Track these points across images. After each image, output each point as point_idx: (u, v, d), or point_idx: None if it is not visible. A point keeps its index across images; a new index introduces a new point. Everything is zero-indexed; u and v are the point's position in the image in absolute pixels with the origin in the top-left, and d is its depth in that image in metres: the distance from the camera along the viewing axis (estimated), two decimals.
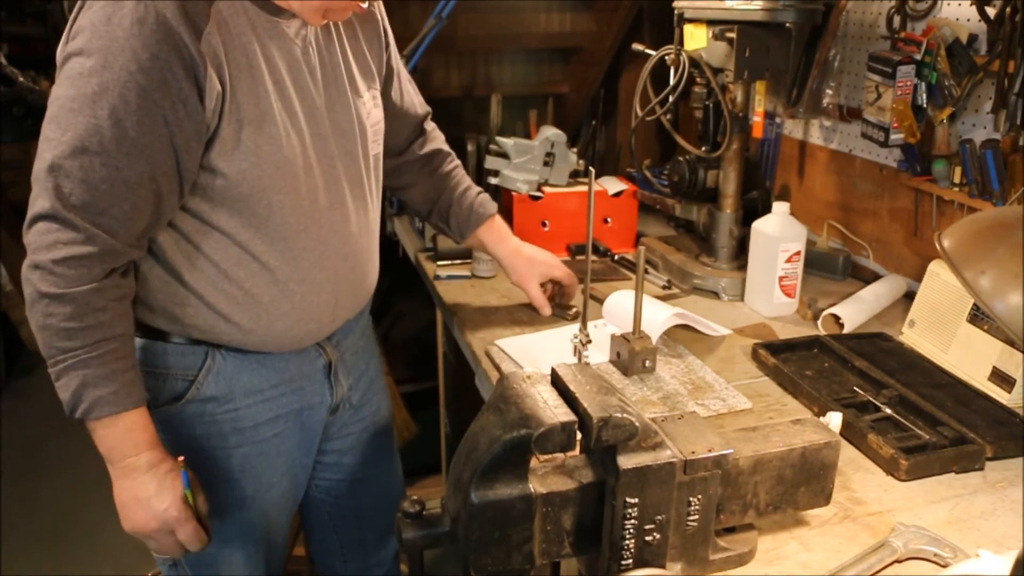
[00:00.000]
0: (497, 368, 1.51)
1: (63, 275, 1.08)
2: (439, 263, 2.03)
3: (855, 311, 1.69)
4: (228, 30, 1.11)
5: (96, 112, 1.05)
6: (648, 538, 0.94)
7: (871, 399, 1.38)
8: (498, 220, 1.69)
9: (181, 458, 1.22)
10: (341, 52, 1.32)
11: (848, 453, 1.26)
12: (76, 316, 1.10)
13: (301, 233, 1.25)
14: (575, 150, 2.15)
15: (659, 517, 0.94)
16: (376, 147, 1.41)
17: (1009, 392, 1.39)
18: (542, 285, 1.71)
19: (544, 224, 2.10)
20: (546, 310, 1.70)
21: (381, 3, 1.44)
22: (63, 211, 1.07)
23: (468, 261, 2.01)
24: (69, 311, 1.09)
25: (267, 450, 1.36)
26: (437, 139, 1.69)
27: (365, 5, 1.23)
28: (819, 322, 1.69)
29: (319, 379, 1.41)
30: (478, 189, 1.69)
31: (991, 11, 1.54)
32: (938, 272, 1.57)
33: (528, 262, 1.69)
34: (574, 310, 1.71)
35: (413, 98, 1.62)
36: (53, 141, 1.06)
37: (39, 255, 1.08)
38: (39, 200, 1.08)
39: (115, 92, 1.04)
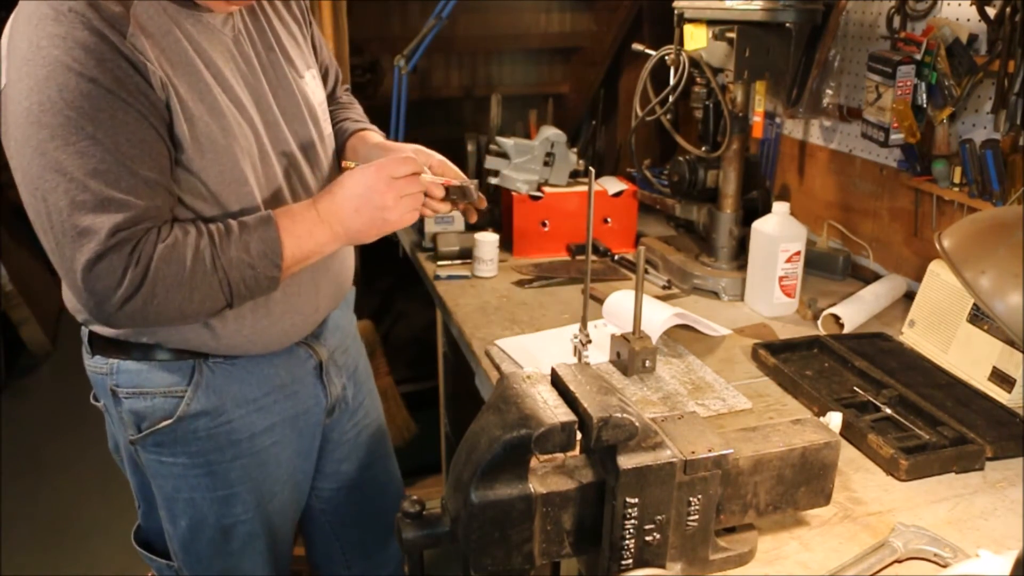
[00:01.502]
0: (497, 368, 1.51)
1: (146, 262, 1.05)
2: (439, 263, 2.03)
3: (855, 311, 1.69)
4: (151, 32, 1.08)
5: (81, 133, 1.01)
6: (648, 538, 0.94)
7: (871, 399, 1.38)
8: (370, 134, 1.51)
9: (344, 162, 1.27)
10: (274, 36, 1.29)
11: (848, 453, 1.26)
12: (180, 255, 1.08)
13: None
14: (575, 150, 2.15)
15: (659, 517, 0.94)
16: (328, 126, 1.40)
17: (1009, 392, 1.39)
18: None
19: (544, 224, 2.10)
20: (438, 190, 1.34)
21: None
22: (111, 239, 1.03)
23: (468, 261, 2.01)
24: (174, 258, 1.07)
25: (266, 460, 1.35)
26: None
27: None
28: (819, 322, 1.69)
29: (311, 381, 1.39)
30: (357, 120, 1.57)
31: (991, 11, 1.54)
32: (938, 272, 1.57)
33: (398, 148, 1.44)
34: (455, 184, 1.33)
35: (330, 68, 1.58)
36: (60, 187, 1.02)
37: (122, 286, 1.05)
38: (84, 246, 1.03)
39: (86, 107, 1.01)
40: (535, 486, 0.92)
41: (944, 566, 1.03)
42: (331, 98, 1.55)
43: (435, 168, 1.38)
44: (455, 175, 1.38)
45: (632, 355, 1.47)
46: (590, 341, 1.44)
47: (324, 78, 1.49)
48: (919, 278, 1.64)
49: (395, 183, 1.20)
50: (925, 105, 1.68)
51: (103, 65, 1.02)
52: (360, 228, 1.21)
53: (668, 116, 1.92)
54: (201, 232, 1.11)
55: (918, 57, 1.65)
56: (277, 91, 1.27)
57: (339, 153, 1.48)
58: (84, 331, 1.28)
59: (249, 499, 1.35)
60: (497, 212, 2.19)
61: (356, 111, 1.60)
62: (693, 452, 0.93)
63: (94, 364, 1.28)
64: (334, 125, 1.51)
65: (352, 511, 1.60)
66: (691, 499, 0.95)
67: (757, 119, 1.83)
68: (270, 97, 1.25)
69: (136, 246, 1.05)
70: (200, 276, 1.10)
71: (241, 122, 1.18)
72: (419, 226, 2.18)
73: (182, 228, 1.11)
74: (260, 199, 1.20)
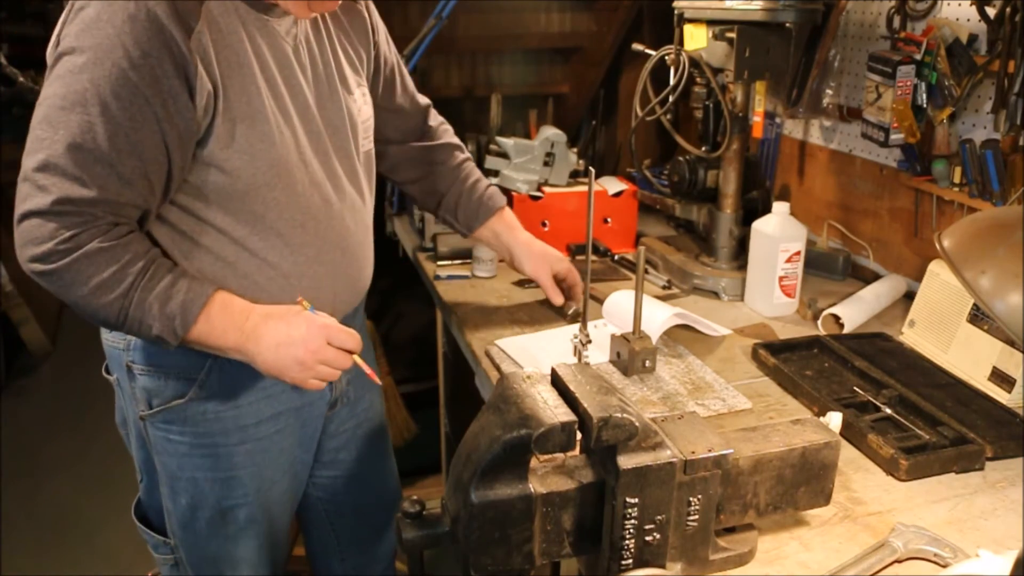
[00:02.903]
0: (497, 368, 1.51)
1: (74, 246, 1.07)
2: (439, 263, 2.03)
3: (855, 311, 1.69)
4: (219, 29, 1.12)
5: (88, 109, 1.05)
6: (648, 538, 0.94)
7: (871, 399, 1.38)
8: (508, 212, 1.70)
9: (300, 299, 1.23)
10: (331, 50, 1.33)
11: (848, 453, 1.26)
12: (108, 262, 1.08)
13: (298, 229, 1.25)
14: (575, 150, 2.15)
15: (659, 517, 0.94)
16: (367, 144, 1.42)
17: (1009, 392, 1.39)
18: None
19: (544, 224, 2.10)
20: (559, 298, 1.70)
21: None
22: (57, 206, 1.06)
23: (468, 261, 2.01)
24: (101, 261, 1.08)
25: (268, 447, 1.37)
26: (446, 133, 1.69)
27: None
28: (819, 322, 1.69)
29: None
30: (488, 183, 1.69)
31: (991, 11, 1.54)
32: (938, 272, 1.57)
33: (541, 255, 1.69)
34: (573, 309, 1.71)
35: (414, 91, 1.63)
36: (46, 140, 1.06)
37: (42, 246, 1.07)
38: (33, 197, 1.07)
39: (106, 89, 1.04)
40: (535, 486, 0.92)
41: (944, 566, 1.03)
42: (430, 132, 1.65)
43: (567, 277, 1.69)
44: (575, 281, 1.70)
45: (632, 355, 1.47)
46: (590, 341, 1.44)
47: (412, 102, 1.61)
48: (919, 278, 1.64)
49: (325, 349, 1.19)
50: (925, 105, 1.68)
51: (147, 60, 1.05)
52: (266, 360, 1.18)
53: (668, 116, 1.92)
54: (142, 256, 1.12)
55: (918, 57, 1.65)
56: (325, 103, 1.30)
57: (479, 220, 1.66)
58: None
59: (250, 484, 1.37)
60: None
61: (470, 162, 1.71)
62: (693, 452, 0.93)
63: (111, 338, 1.31)
64: (471, 180, 1.67)
65: (349, 502, 1.62)
66: (691, 499, 0.95)
67: (757, 119, 1.83)
68: (315, 108, 1.27)
69: (76, 223, 1.07)
70: (107, 291, 1.10)
71: (283, 128, 1.20)
72: (419, 227, 2.18)
73: (133, 246, 1.11)
74: (289, 206, 1.23)
